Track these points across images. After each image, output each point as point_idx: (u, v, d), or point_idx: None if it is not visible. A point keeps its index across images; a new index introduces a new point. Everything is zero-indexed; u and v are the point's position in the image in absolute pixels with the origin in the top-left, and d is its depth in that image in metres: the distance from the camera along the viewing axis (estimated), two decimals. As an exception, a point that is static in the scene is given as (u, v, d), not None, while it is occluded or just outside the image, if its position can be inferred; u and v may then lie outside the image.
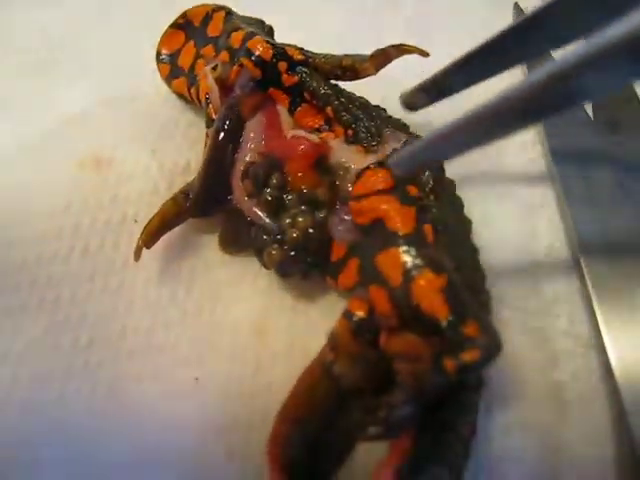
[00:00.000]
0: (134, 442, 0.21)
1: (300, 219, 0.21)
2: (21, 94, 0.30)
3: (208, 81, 0.23)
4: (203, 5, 0.27)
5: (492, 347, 0.18)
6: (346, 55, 0.24)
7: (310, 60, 0.23)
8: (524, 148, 0.27)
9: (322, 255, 0.21)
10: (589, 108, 0.27)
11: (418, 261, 0.18)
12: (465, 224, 0.22)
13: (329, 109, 0.22)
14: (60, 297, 0.24)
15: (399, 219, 0.19)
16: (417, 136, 0.22)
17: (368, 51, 0.24)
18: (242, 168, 0.22)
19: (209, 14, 0.26)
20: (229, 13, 0.26)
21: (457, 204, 0.22)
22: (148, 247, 0.22)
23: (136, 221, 0.25)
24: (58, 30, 0.32)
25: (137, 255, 0.22)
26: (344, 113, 0.22)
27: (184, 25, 0.28)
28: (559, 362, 0.21)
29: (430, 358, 0.17)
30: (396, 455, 0.17)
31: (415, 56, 0.24)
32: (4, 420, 0.22)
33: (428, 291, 0.18)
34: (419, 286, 0.18)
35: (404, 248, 0.19)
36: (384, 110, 0.23)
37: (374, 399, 0.18)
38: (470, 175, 0.26)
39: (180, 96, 0.28)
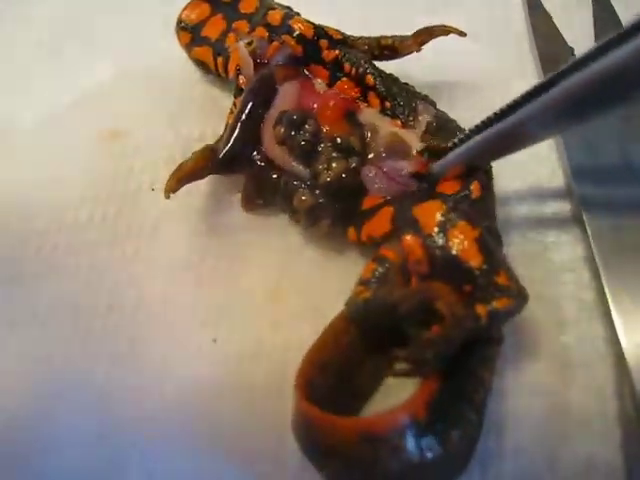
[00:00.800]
0: (152, 399, 0.22)
1: (334, 164, 0.22)
2: (39, 70, 0.31)
3: (241, 53, 0.25)
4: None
5: (521, 297, 0.19)
6: (383, 35, 0.25)
7: (349, 40, 0.25)
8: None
9: (352, 203, 0.22)
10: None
11: (456, 214, 0.20)
12: (493, 193, 0.22)
13: (369, 78, 0.24)
14: (80, 263, 0.25)
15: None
16: (442, 112, 0.24)
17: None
18: (275, 116, 0.23)
19: None
20: None
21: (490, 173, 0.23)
22: (173, 192, 0.23)
23: (153, 189, 0.26)
24: (75, 8, 0.33)
25: (167, 195, 0.23)
26: (381, 86, 0.24)
27: None
28: (566, 327, 0.22)
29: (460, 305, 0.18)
30: (425, 392, 0.18)
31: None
32: (28, 376, 0.22)
33: (464, 239, 0.19)
34: (455, 235, 0.19)
35: (446, 202, 0.20)
36: (412, 86, 0.25)
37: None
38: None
39: (198, 63, 0.28)
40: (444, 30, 0.25)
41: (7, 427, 0.21)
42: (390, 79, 0.24)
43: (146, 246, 0.25)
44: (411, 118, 0.23)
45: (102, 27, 0.32)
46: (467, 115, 0.22)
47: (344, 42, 0.25)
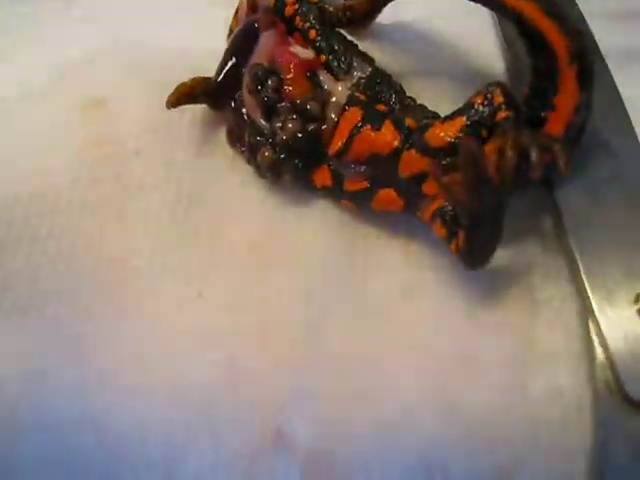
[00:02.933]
0: (134, 349, 0.23)
1: (290, 125, 0.23)
2: (22, 40, 0.31)
3: None
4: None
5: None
6: None
7: (321, 5, 0.26)
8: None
9: (312, 157, 0.23)
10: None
11: None
12: None
13: (312, 32, 0.25)
14: (70, 223, 0.25)
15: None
16: (382, 69, 0.25)
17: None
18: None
19: None
20: None
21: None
22: (173, 106, 0.26)
23: (138, 154, 0.27)
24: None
25: (168, 106, 0.25)
26: (322, 41, 0.24)
27: None
28: (531, 266, 0.23)
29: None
30: None
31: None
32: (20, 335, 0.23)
33: None
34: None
35: None
36: (356, 45, 0.25)
37: None
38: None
39: None
40: None
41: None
42: (337, 37, 0.25)
43: (133, 207, 0.25)
44: (345, 71, 0.24)
45: (84, 2, 0.32)
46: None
47: (316, 6, 0.25)
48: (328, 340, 0.23)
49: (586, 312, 0.22)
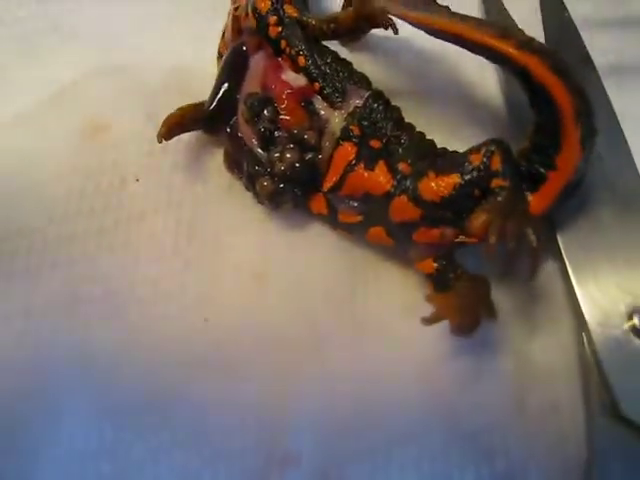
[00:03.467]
0: (147, 378, 0.23)
1: (288, 155, 0.23)
2: (18, 66, 0.31)
3: (228, 20, 0.26)
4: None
5: None
6: (332, 13, 0.25)
7: (304, 19, 0.25)
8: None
9: (311, 185, 0.24)
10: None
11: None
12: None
13: (300, 59, 0.24)
14: (72, 255, 0.26)
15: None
16: (379, 91, 0.24)
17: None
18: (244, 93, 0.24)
19: None
20: None
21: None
22: (165, 139, 0.25)
23: (138, 180, 0.27)
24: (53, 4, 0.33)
25: (159, 139, 0.25)
26: (312, 67, 0.24)
27: None
28: (528, 287, 0.24)
29: None
30: None
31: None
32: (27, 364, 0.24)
33: None
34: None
35: None
36: (350, 64, 0.25)
37: None
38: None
39: None
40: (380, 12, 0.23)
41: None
42: (327, 58, 0.24)
43: (135, 235, 0.26)
44: (339, 100, 0.23)
45: (78, 26, 0.32)
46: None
47: (298, 21, 0.25)
48: (330, 359, 0.24)
49: (581, 330, 0.23)
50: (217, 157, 0.27)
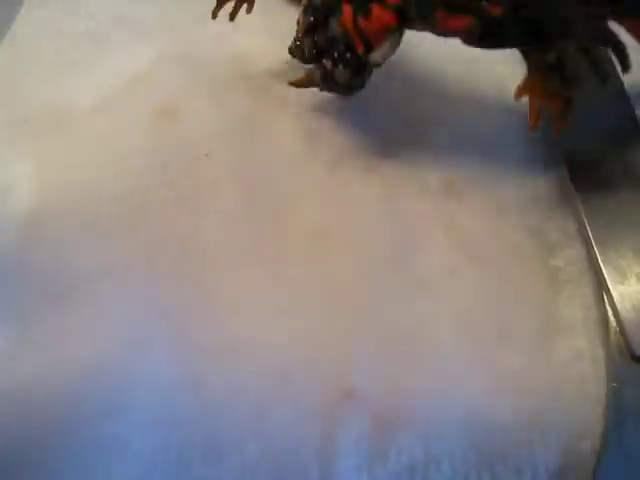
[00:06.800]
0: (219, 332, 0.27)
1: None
2: (92, 58, 0.35)
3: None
4: None
5: None
6: None
7: None
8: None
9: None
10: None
11: None
12: None
13: None
14: (150, 220, 0.29)
15: None
16: None
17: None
18: None
19: None
20: None
21: None
22: None
23: (206, 155, 0.31)
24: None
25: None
26: None
27: None
28: (553, 250, 0.27)
29: None
30: None
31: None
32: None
33: None
34: None
35: None
36: None
37: None
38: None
39: None
40: None
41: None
42: None
43: (210, 203, 0.30)
44: None
45: (145, 16, 0.36)
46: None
47: None
48: (384, 311, 0.27)
49: (601, 288, 0.26)
50: (283, 136, 0.31)
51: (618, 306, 0.25)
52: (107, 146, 0.31)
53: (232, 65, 0.33)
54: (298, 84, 0.29)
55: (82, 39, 0.36)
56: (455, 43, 0.25)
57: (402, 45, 0.25)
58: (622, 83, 0.30)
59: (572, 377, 0.25)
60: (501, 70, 0.32)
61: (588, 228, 0.27)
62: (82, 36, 0.36)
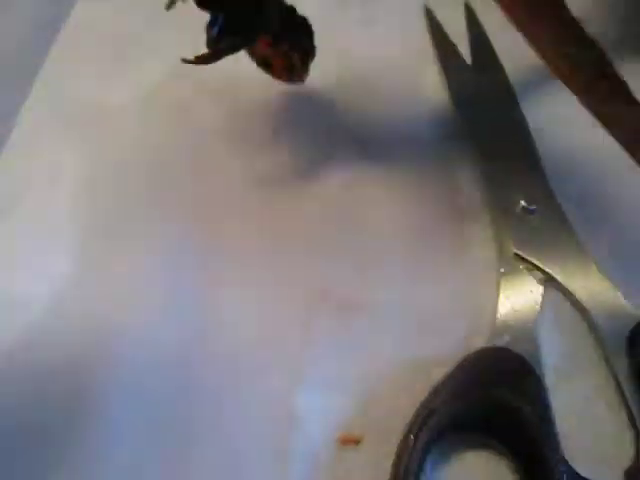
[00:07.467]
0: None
1: None
2: (129, 55, 0.38)
3: None
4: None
5: None
6: None
7: None
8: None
9: None
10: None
11: None
12: None
13: None
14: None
15: None
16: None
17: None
18: None
19: None
20: None
21: None
22: None
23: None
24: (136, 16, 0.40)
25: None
26: None
27: None
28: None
29: None
30: None
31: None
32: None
33: None
34: None
35: None
36: None
37: None
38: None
39: None
40: None
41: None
42: None
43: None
44: None
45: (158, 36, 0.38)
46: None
47: None
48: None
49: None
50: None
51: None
52: (142, 133, 0.35)
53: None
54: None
55: (105, 50, 0.39)
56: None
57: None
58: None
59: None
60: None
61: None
62: (105, 47, 0.39)
